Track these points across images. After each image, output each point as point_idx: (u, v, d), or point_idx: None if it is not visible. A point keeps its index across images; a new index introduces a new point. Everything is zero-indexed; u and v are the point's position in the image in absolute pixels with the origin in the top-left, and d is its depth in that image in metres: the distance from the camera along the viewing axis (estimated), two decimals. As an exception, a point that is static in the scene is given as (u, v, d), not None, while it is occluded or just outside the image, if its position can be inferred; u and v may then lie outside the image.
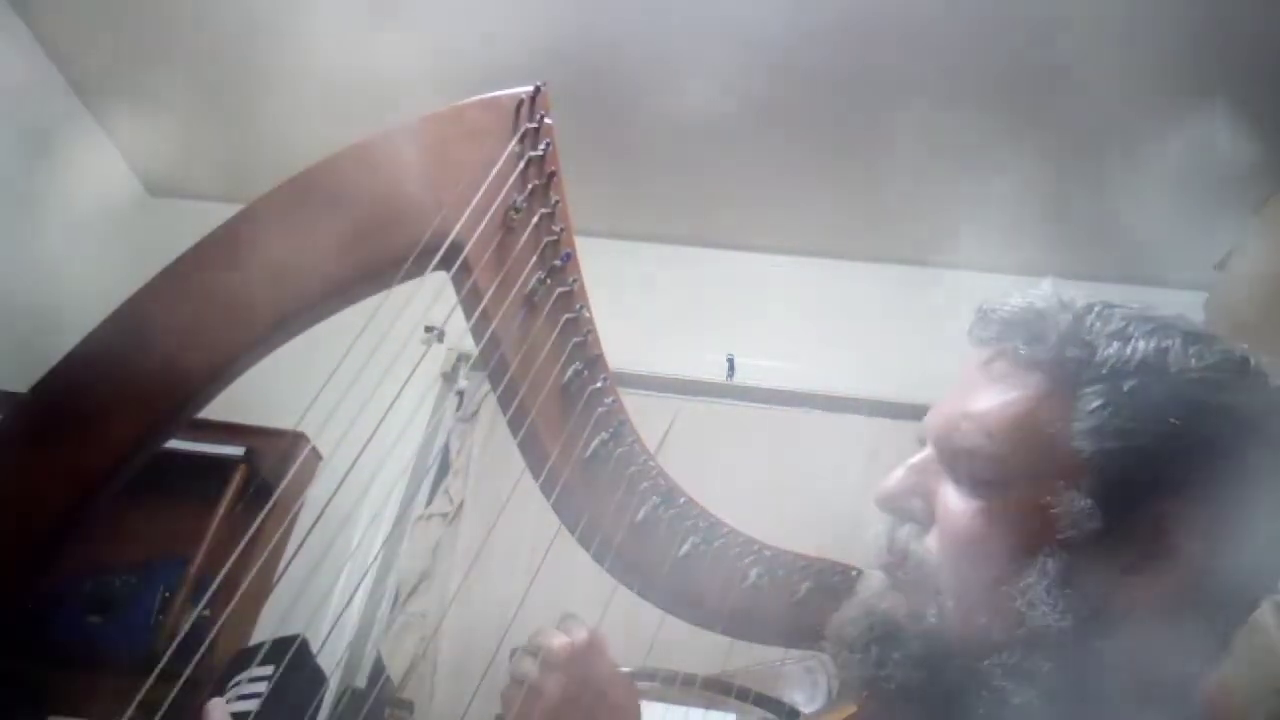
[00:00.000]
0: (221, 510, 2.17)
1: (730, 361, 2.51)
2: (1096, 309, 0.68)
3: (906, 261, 2.66)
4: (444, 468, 2.46)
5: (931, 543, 0.69)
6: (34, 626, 2.04)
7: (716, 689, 1.51)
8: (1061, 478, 0.64)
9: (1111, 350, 0.65)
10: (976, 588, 0.65)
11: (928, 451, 0.72)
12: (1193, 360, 0.64)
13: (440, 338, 2.14)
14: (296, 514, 1.51)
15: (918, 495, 0.71)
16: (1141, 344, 0.65)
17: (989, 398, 0.69)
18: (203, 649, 0.79)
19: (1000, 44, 2.09)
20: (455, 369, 2.51)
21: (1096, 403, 0.64)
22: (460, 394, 2.54)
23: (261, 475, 2.25)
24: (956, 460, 0.69)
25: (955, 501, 0.68)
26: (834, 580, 0.93)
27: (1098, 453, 0.63)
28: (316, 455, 1.81)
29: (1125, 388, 0.64)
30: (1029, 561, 0.63)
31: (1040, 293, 0.71)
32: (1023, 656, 0.62)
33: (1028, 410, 0.67)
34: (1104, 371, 0.64)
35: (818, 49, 2.18)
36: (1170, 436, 0.62)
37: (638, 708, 0.86)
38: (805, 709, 1.57)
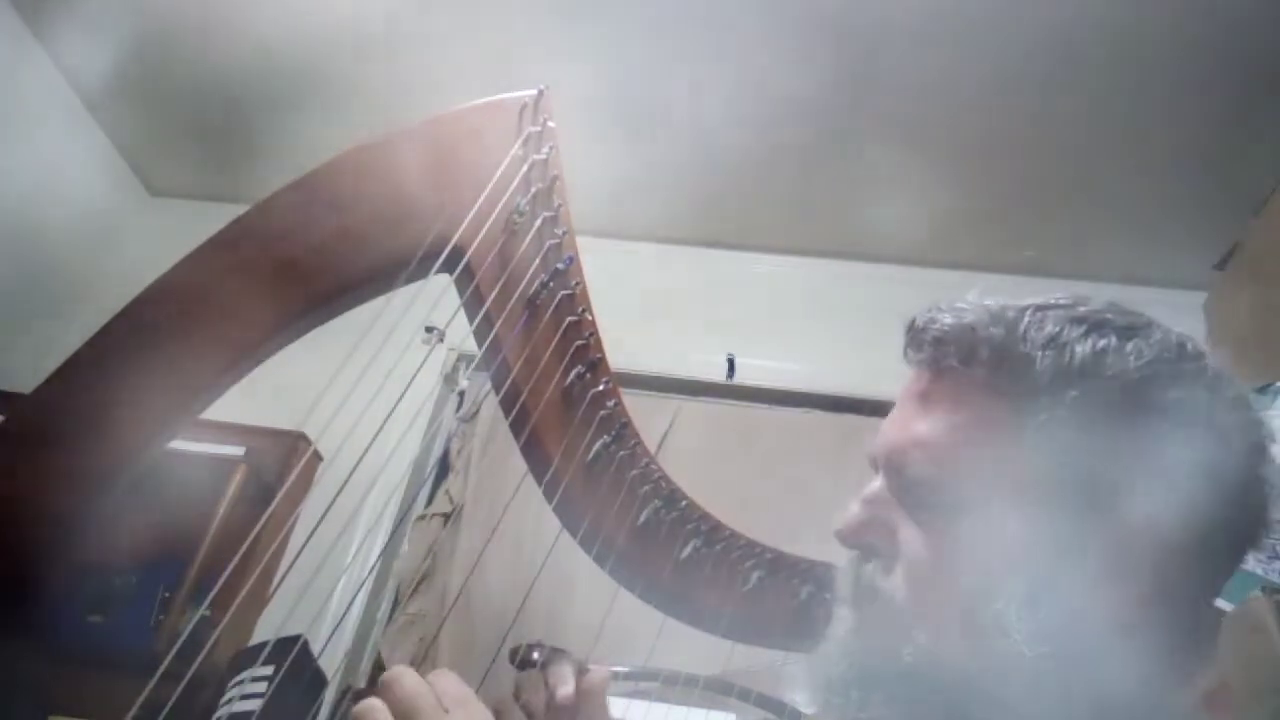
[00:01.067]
0: (221, 510, 2.17)
1: (730, 361, 2.51)
2: (1028, 315, 0.65)
3: (906, 261, 2.66)
4: (444, 468, 2.46)
5: (898, 577, 0.67)
6: (34, 626, 2.04)
7: (717, 689, 1.51)
8: (1017, 496, 0.62)
9: (1048, 360, 0.63)
10: (948, 619, 0.63)
11: (879, 483, 0.71)
12: (1130, 359, 0.62)
13: (441, 339, 2.15)
14: (297, 514, 1.51)
15: (877, 529, 0.69)
16: (1078, 349, 0.63)
17: (933, 422, 0.67)
18: (205, 649, 0.78)
19: (1000, 45, 2.09)
20: (456, 370, 2.51)
21: (1041, 416, 0.62)
22: (461, 394, 2.54)
23: (261, 475, 2.25)
24: (909, 492, 0.67)
25: (914, 533, 0.66)
26: (835, 583, 0.94)
27: (1048, 467, 0.62)
28: (317, 456, 1.81)
29: (1068, 398, 0.62)
30: (997, 586, 0.61)
31: (968, 305, 0.68)
32: (1001, 684, 0.60)
33: (974, 432, 0.65)
34: (1044, 383, 0.62)
35: (818, 49, 2.18)
36: (1118, 441, 0.61)
37: None
38: (807, 710, 1.57)
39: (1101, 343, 0.63)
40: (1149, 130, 2.22)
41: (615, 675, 1.73)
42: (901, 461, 0.68)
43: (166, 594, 2.17)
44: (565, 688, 0.84)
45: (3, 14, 2.46)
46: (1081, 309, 0.66)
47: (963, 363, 0.66)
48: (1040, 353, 0.63)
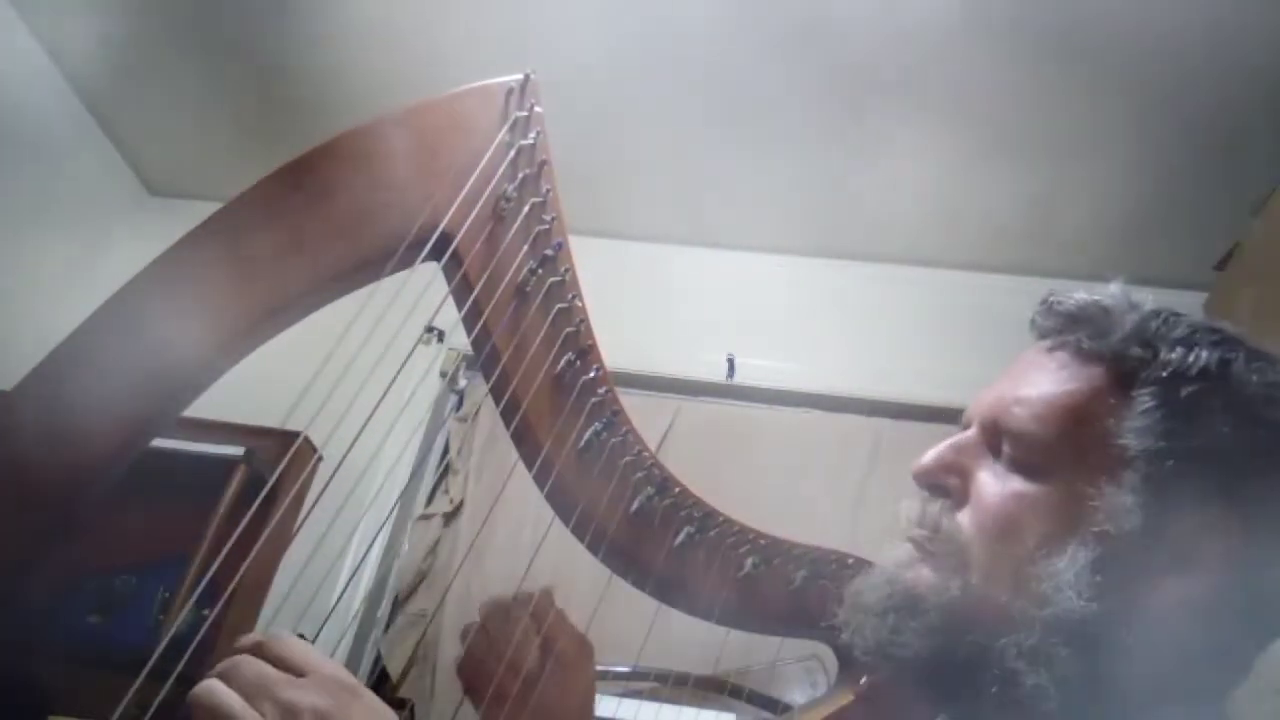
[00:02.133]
0: (221, 510, 2.17)
1: (730, 361, 2.51)
2: (1164, 314, 0.68)
3: (906, 262, 2.66)
4: (444, 468, 2.46)
5: (964, 519, 0.69)
6: (34, 626, 2.04)
7: (712, 688, 1.51)
8: (1105, 472, 0.64)
9: (1175, 355, 0.65)
10: (1004, 566, 0.65)
11: (971, 432, 0.72)
12: (1254, 376, 0.64)
13: (440, 338, 2.15)
14: (296, 514, 1.51)
15: (954, 473, 0.71)
16: (1205, 353, 0.65)
17: (1043, 385, 0.69)
18: (195, 647, 0.78)
19: (1000, 45, 2.09)
20: (455, 368, 2.51)
21: (1151, 403, 0.64)
22: (460, 393, 2.54)
23: (261, 475, 2.25)
24: (1002, 441, 0.69)
25: (993, 482, 0.68)
26: (830, 569, 0.93)
27: (1145, 452, 0.63)
28: (317, 455, 1.81)
29: (1183, 393, 0.64)
30: (1060, 547, 0.63)
31: (1109, 291, 0.71)
32: (1040, 639, 0.62)
33: (1081, 401, 0.67)
34: (1164, 374, 0.65)
35: (819, 48, 2.18)
36: (1220, 447, 0.62)
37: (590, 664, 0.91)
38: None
39: (1229, 355, 0.65)
40: (1149, 130, 2.22)
41: (612, 675, 1.74)
42: (1001, 414, 0.70)
43: (166, 594, 2.18)
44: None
45: (5, 18, 2.47)
46: (1217, 324, 0.68)
47: (1092, 339, 0.68)
48: (1168, 346, 0.66)
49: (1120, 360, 0.67)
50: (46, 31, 2.54)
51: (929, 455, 0.72)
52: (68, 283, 2.65)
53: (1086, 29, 2.03)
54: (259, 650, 0.62)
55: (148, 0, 2.38)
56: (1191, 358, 0.65)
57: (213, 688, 0.59)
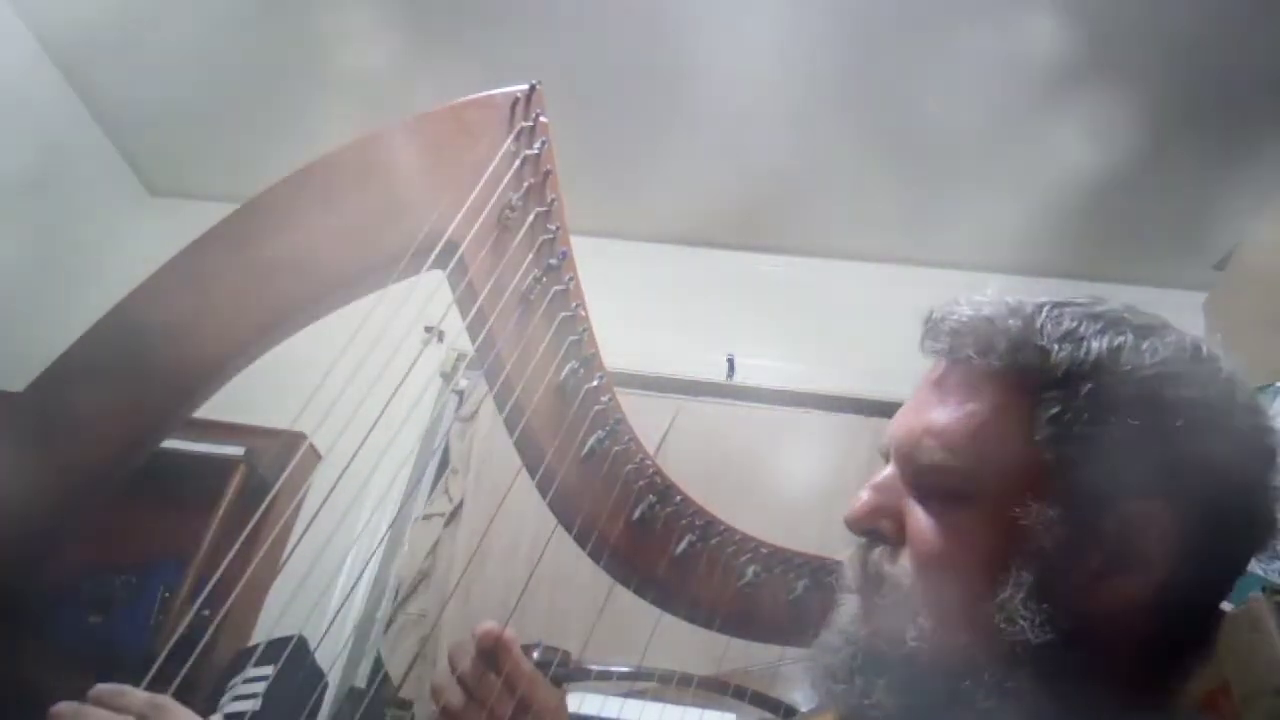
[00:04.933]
0: (221, 510, 2.17)
1: (730, 361, 2.51)
2: (1045, 310, 0.66)
3: (906, 261, 2.66)
4: (443, 467, 2.46)
5: (905, 563, 0.67)
6: (34, 626, 2.05)
7: (714, 688, 1.51)
8: (1028, 487, 0.62)
9: (1064, 353, 0.64)
10: (953, 606, 0.64)
11: (890, 470, 0.71)
12: (1146, 357, 0.63)
13: (440, 338, 2.15)
14: (296, 513, 1.51)
15: (885, 516, 0.69)
16: (1094, 344, 0.64)
17: (947, 411, 0.67)
18: (199, 648, 0.78)
19: (1000, 46, 2.09)
20: (455, 368, 2.51)
21: (1055, 409, 0.63)
22: (460, 393, 2.54)
23: (260, 475, 2.25)
24: (921, 478, 0.68)
25: (923, 519, 0.66)
26: (831, 578, 0.93)
27: (1061, 459, 0.62)
28: (316, 455, 1.81)
29: (1082, 391, 0.62)
30: (1003, 575, 0.62)
31: (987, 298, 0.69)
32: (1005, 673, 0.61)
33: (987, 421, 0.65)
34: (1059, 376, 0.63)
35: (820, 49, 2.18)
36: (1131, 437, 0.61)
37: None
38: (803, 708, 1.57)
39: (1118, 340, 0.64)
40: (1149, 130, 2.21)
41: (614, 675, 1.74)
42: (914, 448, 0.68)
43: (166, 594, 2.18)
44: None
45: (4, 17, 2.47)
46: (1098, 308, 0.66)
47: (979, 353, 0.67)
48: (1056, 346, 0.64)
49: (1014, 371, 0.65)
50: (47, 31, 2.54)
51: (857, 504, 0.70)
52: (69, 283, 2.64)
53: (1088, 30, 2.03)
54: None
55: (148, 1, 2.38)
56: (1081, 352, 0.63)
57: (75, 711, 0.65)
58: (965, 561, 0.64)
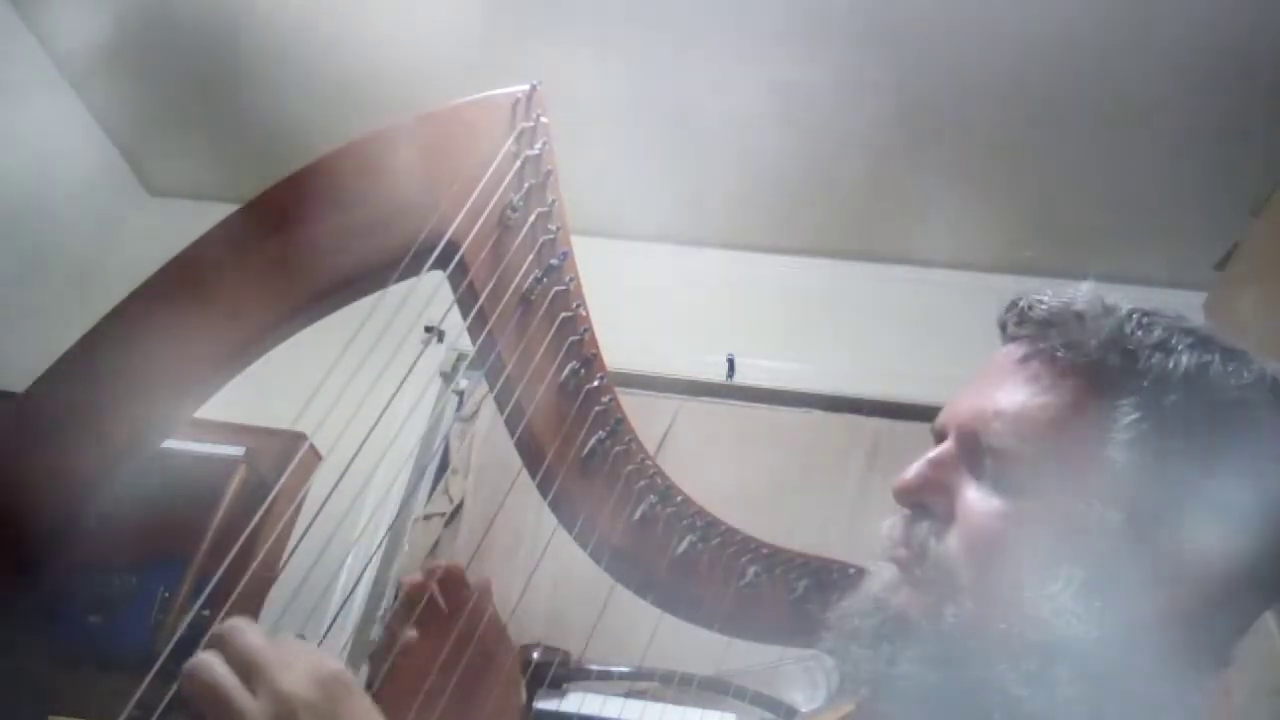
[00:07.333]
0: (221, 510, 2.17)
1: (730, 361, 2.51)
2: (1137, 316, 0.66)
3: (906, 261, 2.66)
4: (443, 468, 2.46)
5: (952, 542, 0.67)
6: (34, 626, 2.04)
7: (715, 688, 1.51)
8: (1093, 487, 0.63)
9: (1154, 361, 0.63)
10: (1000, 591, 0.63)
11: (949, 446, 0.70)
12: (1231, 379, 0.63)
13: (440, 338, 2.15)
14: (296, 514, 1.51)
15: (938, 491, 0.69)
16: (1184, 358, 0.63)
17: (1021, 397, 0.67)
18: (199, 648, 0.78)
19: (1000, 46, 2.09)
20: (455, 368, 2.50)
21: (1135, 415, 0.63)
22: (460, 393, 2.54)
23: (261, 475, 2.24)
24: (984, 459, 0.67)
25: (980, 501, 0.66)
26: (832, 578, 0.93)
27: (1132, 466, 0.62)
28: (316, 455, 1.80)
29: (1166, 402, 0.63)
30: (1054, 569, 0.62)
31: (1080, 293, 0.68)
32: (1043, 665, 0.60)
33: (1063, 414, 0.65)
34: (1145, 383, 0.63)
35: (821, 49, 2.18)
36: (1206, 457, 0.62)
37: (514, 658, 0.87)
38: (804, 708, 1.57)
39: (1206, 358, 0.64)
40: (1149, 130, 2.22)
41: (615, 675, 1.74)
42: (981, 429, 0.68)
43: (166, 594, 2.17)
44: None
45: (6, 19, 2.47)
46: (1187, 323, 0.67)
47: (1066, 347, 0.66)
48: (1146, 352, 0.64)
49: (1099, 370, 0.65)
50: (47, 31, 2.54)
51: (911, 473, 0.70)
52: (69, 283, 2.65)
53: (1087, 29, 2.03)
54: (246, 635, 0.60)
55: (149, 2, 2.38)
56: (1170, 364, 0.63)
57: (209, 664, 0.57)
58: (1016, 550, 0.64)
